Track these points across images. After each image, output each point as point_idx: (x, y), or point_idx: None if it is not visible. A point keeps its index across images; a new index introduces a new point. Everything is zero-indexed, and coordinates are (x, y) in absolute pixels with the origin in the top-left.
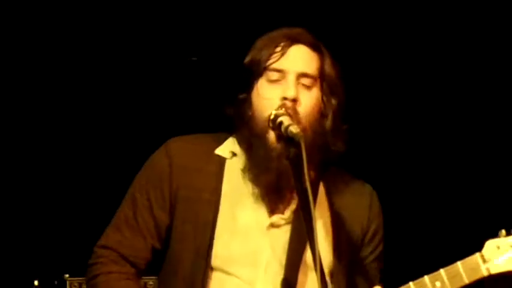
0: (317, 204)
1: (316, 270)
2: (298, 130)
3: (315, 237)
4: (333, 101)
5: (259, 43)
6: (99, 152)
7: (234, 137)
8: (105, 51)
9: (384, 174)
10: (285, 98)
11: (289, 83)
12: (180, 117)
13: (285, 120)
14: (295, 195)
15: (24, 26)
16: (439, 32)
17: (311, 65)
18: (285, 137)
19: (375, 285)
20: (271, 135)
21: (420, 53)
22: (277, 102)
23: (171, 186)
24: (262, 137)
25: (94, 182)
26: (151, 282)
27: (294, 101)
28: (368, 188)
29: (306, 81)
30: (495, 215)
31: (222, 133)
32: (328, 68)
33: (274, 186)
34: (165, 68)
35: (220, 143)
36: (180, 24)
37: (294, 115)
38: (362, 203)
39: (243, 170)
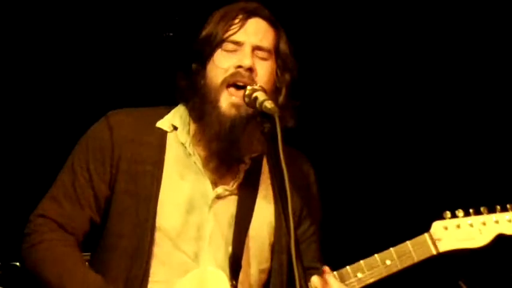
0: (261, 178)
1: (291, 250)
2: (273, 105)
3: (289, 213)
4: (286, 77)
5: (216, 16)
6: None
7: (176, 109)
8: (77, 25)
9: (336, 156)
10: (239, 67)
11: (245, 53)
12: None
13: (260, 95)
14: (241, 167)
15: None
16: (432, 30)
17: (267, 38)
18: (260, 112)
19: (316, 258)
20: (224, 103)
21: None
22: (232, 70)
23: (112, 159)
24: (215, 104)
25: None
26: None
27: (250, 70)
28: (303, 158)
29: (261, 53)
30: (441, 199)
31: (163, 106)
32: (283, 44)
33: (224, 154)
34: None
35: (161, 116)
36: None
37: (250, 83)
38: (302, 172)
39: (184, 144)
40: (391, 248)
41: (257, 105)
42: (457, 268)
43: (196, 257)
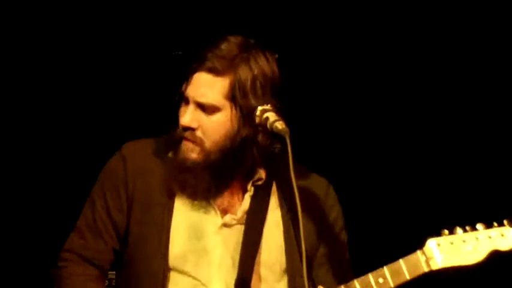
0: (269, 204)
1: (302, 267)
2: (283, 126)
3: (301, 234)
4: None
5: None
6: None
7: None
8: (87, 44)
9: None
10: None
11: (186, 111)
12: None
13: (271, 116)
14: (246, 196)
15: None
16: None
17: (209, 93)
18: (270, 133)
19: (333, 283)
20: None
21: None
22: (180, 126)
23: (127, 189)
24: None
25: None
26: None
27: (188, 129)
28: (323, 181)
29: (205, 108)
30: (436, 215)
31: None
32: (244, 78)
33: (223, 185)
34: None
35: (173, 145)
36: (165, 17)
37: (192, 140)
38: (316, 196)
39: None
40: (384, 266)
41: (268, 125)
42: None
43: (207, 282)
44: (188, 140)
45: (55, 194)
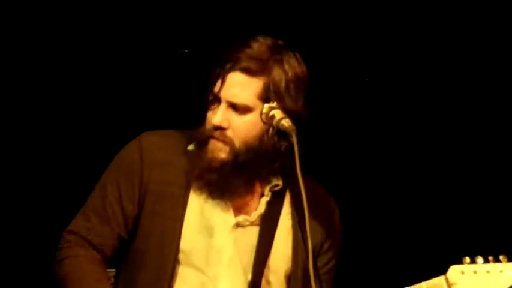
0: (282, 211)
1: (309, 270)
2: (290, 123)
3: (307, 233)
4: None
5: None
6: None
7: None
8: (92, 43)
9: (352, 189)
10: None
11: (219, 111)
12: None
13: (277, 113)
14: (263, 200)
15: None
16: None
17: (243, 93)
18: (277, 130)
19: None
20: (210, 154)
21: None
22: (210, 126)
23: (142, 180)
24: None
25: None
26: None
27: (219, 128)
28: (331, 202)
29: (238, 109)
30: (458, 241)
31: (193, 129)
32: (279, 79)
33: (242, 186)
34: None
35: (192, 139)
36: (171, 15)
37: (222, 140)
38: (323, 216)
39: None
40: None
41: (274, 123)
42: None
43: (215, 279)
44: (218, 139)
45: (56, 192)
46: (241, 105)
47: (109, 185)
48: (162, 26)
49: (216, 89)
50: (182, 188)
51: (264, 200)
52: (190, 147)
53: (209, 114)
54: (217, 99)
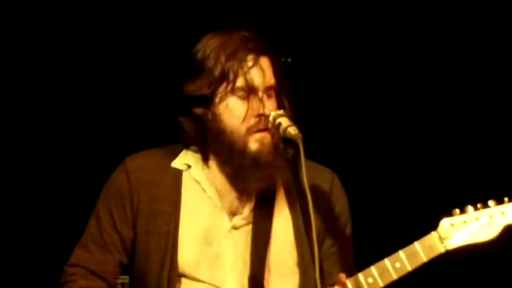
0: (276, 201)
1: (314, 268)
2: (296, 131)
3: (314, 238)
4: (285, 102)
5: (215, 53)
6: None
7: (190, 148)
8: (95, 50)
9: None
10: (260, 115)
11: (262, 100)
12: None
13: (283, 121)
14: (253, 195)
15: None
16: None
17: (270, 73)
18: (283, 138)
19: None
20: (252, 147)
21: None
22: (253, 120)
23: (132, 202)
24: (244, 150)
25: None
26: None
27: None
28: (328, 172)
29: (270, 91)
30: (444, 195)
31: (174, 145)
32: (278, 70)
33: (240, 190)
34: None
35: (175, 155)
36: (175, 23)
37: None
38: (322, 189)
39: (199, 182)
40: (400, 251)
41: (280, 131)
42: None
43: (221, 285)
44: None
45: (57, 201)
46: (272, 86)
47: (102, 213)
48: (166, 33)
49: (250, 78)
50: (172, 204)
51: (253, 193)
52: (174, 164)
53: (240, 105)
54: (249, 91)
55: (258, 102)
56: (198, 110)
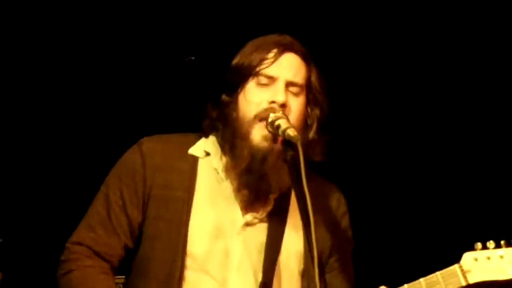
0: (290, 207)
1: (314, 270)
2: (295, 133)
3: (313, 239)
4: (316, 112)
5: (249, 48)
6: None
7: (209, 138)
8: (100, 50)
9: (365, 181)
10: (273, 102)
11: (279, 89)
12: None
13: (283, 123)
14: (271, 196)
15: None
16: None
17: (300, 74)
18: (282, 140)
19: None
20: (256, 136)
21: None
22: (265, 104)
23: (145, 185)
24: (246, 139)
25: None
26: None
27: (283, 106)
28: (335, 188)
29: (294, 89)
30: (470, 229)
31: (193, 133)
32: (315, 79)
33: (254, 186)
34: (162, 67)
35: (193, 143)
36: (178, 23)
37: (287, 118)
38: (330, 206)
39: (217, 169)
40: (421, 279)
41: (279, 132)
42: None
43: (224, 283)
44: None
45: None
46: (300, 85)
47: (112, 193)
48: (169, 33)
49: (273, 68)
50: (186, 192)
51: (273, 196)
52: (192, 150)
53: (258, 92)
54: (269, 80)
55: (275, 90)
56: (225, 98)
